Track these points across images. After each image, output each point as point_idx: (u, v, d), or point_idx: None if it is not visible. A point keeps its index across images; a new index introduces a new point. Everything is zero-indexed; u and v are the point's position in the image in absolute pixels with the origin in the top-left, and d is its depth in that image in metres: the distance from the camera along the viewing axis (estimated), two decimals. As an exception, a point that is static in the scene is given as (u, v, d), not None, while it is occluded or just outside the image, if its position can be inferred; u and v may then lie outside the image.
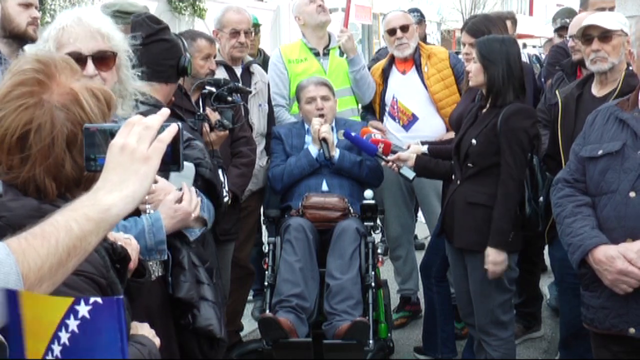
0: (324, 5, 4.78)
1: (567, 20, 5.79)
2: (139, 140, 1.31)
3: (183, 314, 2.30)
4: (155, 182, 2.17)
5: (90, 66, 2.16)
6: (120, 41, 2.27)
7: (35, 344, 1.11)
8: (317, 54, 4.76)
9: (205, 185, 2.52)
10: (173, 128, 1.36)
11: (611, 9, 4.47)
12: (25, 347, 1.12)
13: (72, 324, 1.10)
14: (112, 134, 1.35)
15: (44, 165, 1.44)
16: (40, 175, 1.44)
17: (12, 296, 1.10)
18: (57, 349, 1.11)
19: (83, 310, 1.10)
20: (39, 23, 3.53)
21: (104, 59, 2.20)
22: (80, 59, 2.12)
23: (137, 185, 1.30)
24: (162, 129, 1.35)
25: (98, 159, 1.36)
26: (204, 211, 2.40)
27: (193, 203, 2.28)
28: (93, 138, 1.37)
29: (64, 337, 1.11)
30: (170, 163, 1.37)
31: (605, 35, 3.28)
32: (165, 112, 1.40)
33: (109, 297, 1.29)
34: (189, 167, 2.37)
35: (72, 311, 1.11)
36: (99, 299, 1.11)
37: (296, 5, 4.86)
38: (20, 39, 3.44)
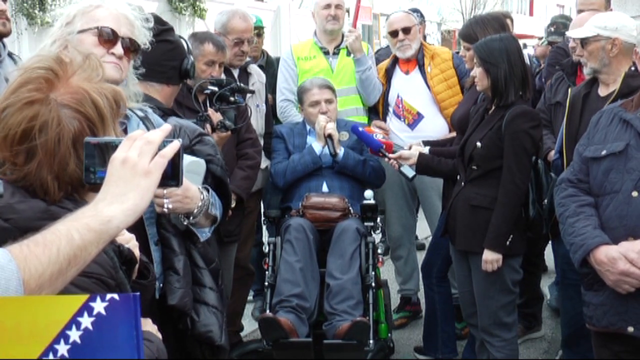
0: (338, 15, 4.73)
1: (556, 37, 5.88)
2: (140, 154, 1.33)
3: (179, 319, 2.26)
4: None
5: (119, 47, 2.15)
6: (141, 37, 2.26)
7: (24, 347, 1.10)
8: (326, 53, 4.76)
9: (216, 182, 2.47)
10: (175, 144, 1.38)
11: (580, 11, 4.47)
12: None
13: (86, 321, 1.10)
14: (113, 147, 1.37)
15: (48, 163, 1.44)
16: (44, 173, 1.44)
17: None
18: (62, 349, 1.10)
19: (99, 306, 1.11)
20: (8, 16, 3.50)
21: (129, 48, 2.20)
22: (112, 37, 2.13)
23: (137, 198, 1.31)
24: (163, 145, 1.37)
25: (98, 172, 1.38)
26: (216, 209, 2.37)
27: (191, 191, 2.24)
28: (93, 151, 1.39)
29: (74, 335, 1.10)
30: (169, 178, 1.39)
31: (584, 42, 3.39)
32: (166, 127, 1.41)
33: (126, 293, 1.31)
34: (200, 163, 2.34)
35: (85, 308, 1.11)
36: (115, 296, 1.11)
37: (315, 3, 4.85)
38: None
